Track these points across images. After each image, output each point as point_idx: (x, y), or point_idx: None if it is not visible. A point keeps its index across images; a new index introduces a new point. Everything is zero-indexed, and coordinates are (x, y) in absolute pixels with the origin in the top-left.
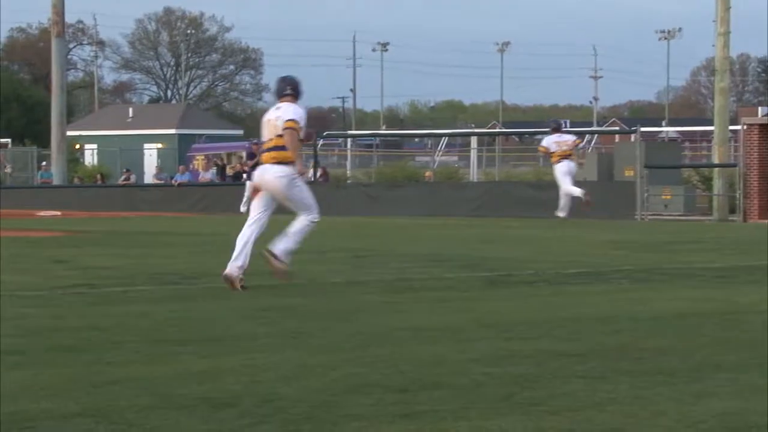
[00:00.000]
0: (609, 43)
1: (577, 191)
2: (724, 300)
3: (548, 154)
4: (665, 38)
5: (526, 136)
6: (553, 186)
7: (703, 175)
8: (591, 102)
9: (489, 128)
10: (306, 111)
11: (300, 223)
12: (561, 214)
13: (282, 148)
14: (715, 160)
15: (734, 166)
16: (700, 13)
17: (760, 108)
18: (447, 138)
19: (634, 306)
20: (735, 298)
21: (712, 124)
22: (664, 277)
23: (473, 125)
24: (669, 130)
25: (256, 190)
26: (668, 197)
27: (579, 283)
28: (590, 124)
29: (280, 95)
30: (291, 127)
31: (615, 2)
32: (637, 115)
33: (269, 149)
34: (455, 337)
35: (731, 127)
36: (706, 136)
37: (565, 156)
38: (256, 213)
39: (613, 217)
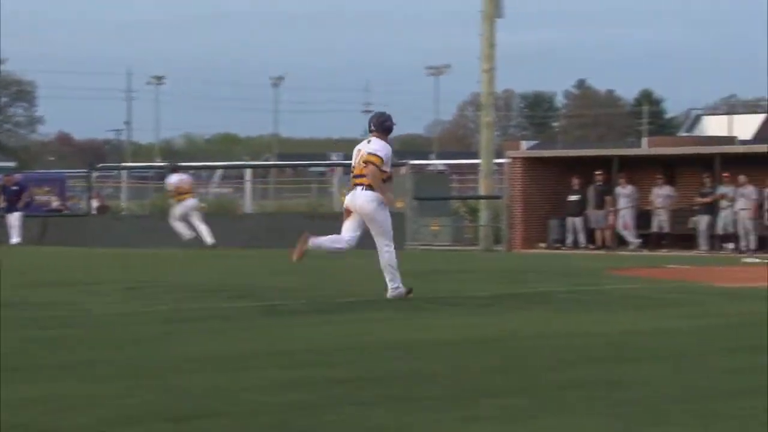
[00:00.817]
0: (381, 78)
1: (187, 234)
2: (490, 326)
3: (175, 193)
4: (434, 74)
5: (300, 168)
6: (327, 217)
7: (470, 207)
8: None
9: (263, 161)
10: (391, 149)
11: (384, 260)
12: (208, 240)
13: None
14: (481, 192)
15: (499, 197)
16: (467, 50)
17: (523, 142)
18: (223, 170)
19: (406, 334)
20: (500, 325)
21: (478, 157)
22: (434, 305)
23: (248, 158)
24: (437, 162)
25: (348, 212)
26: (437, 228)
27: (352, 311)
28: None
29: (369, 130)
30: (372, 162)
31: (386, 39)
32: (408, 148)
33: (359, 176)
34: (231, 366)
35: (496, 160)
36: (473, 169)
37: (186, 193)
38: (348, 234)
39: None
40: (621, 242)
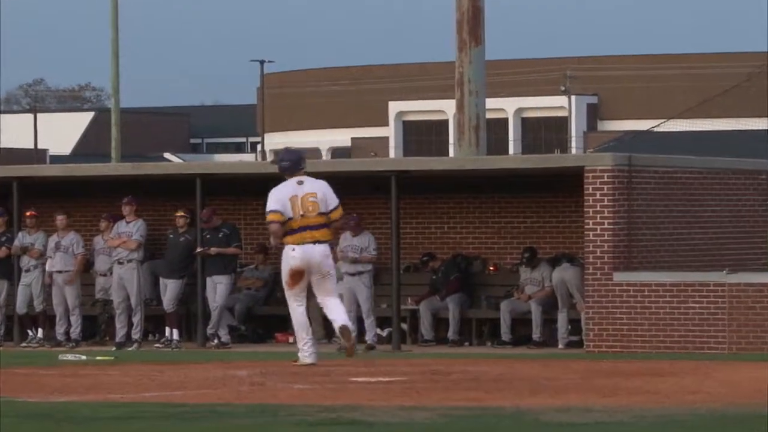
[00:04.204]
0: None
1: None
2: None
3: None
4: None
5: None
6: None
7: None
8: None
9: None
10: None
11: (336, 307)
12: None
13: (323, 226)
14: None
15: None
16: None
17: None
18: None
19: None
20: None
21: None
22: None
23: None
24: None
25: (298, 275)
26: None
27: None
28: None
29: (297, 168)
30: (339, 210)
31: None
32: None
33: (312, 227)
34: None
35: None
36: None
37: None
38: (303, 298)
39: None
40: None
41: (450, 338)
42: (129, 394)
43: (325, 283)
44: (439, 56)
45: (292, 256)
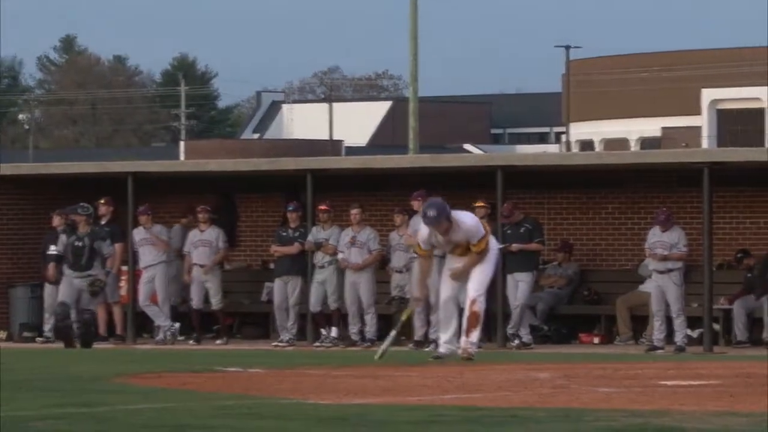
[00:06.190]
0: None
1: None
2: None
3: None
4: None
5: None
6: None
7: None
8: None
9: None
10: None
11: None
12: None
13: None
14: None
15: None
16: None
17: None
18: None
19: None
20: None
21: None
22: None
23: None
24: None
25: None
26: None
27: None
28: None
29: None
30: None
31: None
32: None
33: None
34: None
35: None
36: None
37: None
38: None
39: None
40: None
41: (766, 340)
42: (427, 397)
43: None
44: (755, 41)
45: None
